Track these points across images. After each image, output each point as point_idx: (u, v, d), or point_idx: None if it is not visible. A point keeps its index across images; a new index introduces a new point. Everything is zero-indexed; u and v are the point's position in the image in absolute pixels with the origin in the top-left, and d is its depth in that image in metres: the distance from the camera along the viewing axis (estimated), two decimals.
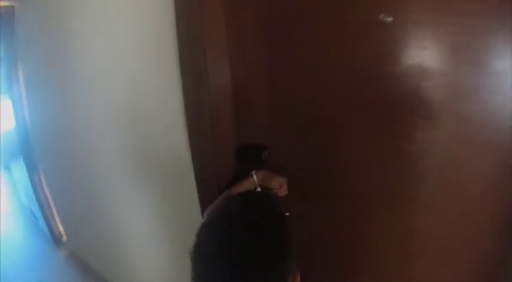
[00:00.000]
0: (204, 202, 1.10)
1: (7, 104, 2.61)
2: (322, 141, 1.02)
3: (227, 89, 1.03)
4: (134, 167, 1.44)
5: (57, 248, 2.96)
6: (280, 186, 1.04)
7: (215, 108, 1.00)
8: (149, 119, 1.22)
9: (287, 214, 1.03)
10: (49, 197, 2.88)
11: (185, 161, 1.10)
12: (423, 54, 0.79)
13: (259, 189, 1.05)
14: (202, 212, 1.11)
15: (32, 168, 2.80)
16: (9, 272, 2.83)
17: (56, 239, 2.97)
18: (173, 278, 1.52)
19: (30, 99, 2.43)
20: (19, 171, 2.96)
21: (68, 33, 1.49)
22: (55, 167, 2.42)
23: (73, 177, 2.10)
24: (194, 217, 1.12)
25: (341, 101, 0.94)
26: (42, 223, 2.97)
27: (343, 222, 1.05)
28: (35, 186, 2.84)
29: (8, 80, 2.41)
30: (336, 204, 1.04)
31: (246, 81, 1.02)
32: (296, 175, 1.08)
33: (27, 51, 2.19)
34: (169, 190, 1.30)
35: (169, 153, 1.19)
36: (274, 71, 0.98)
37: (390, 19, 0.75)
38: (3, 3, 2.08)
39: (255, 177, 1.03)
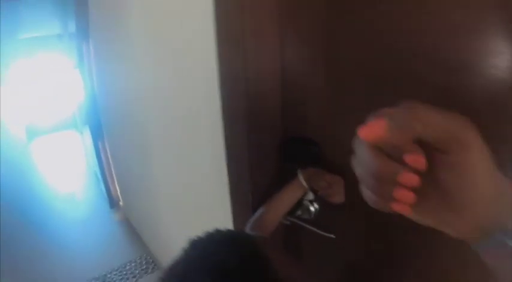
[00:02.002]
0: (235, 201, 0.98)
1: (78, 77, 2.72)
2: None
3: (273, 70, 0.78)
4: (176, 150, 1.40)
5: (113, 210, 3.12)
6: (328, 185, 0.77)
7: (254, 87, 0.76)
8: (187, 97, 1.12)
9: (332, 236, 0.85)
10: (111, 163, 3.01)
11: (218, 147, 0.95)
12: None
13: (310, 193, 0.83)
14: (233, 213, 1.00)
15: (98, 136, 2.93)
16: (65, 225, 3.07)
17: (113, 202, 3.13)
18: None
19: (98, 73, 2.52)
20: (89, 137, 3.14)
21: (131, 12, 1.46)
22: (118, 136, 2.51)
23: (132, 148, 2.14)
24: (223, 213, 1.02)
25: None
26: (102, 186, 3.13)
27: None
28: (99, 152, 2.99)
29: (79, 55, 2.49)
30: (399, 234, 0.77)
31: (299, 62, 0.78)
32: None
33: (97, 28, 2.24)
34: (203, 182, 1.22)
35: (204, 137, 1.09)
36: (335, 51, 0.72)
37: None
38: None
39: (301, 177, 0.79)
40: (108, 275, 2.34)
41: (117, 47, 1.92)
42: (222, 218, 1.06)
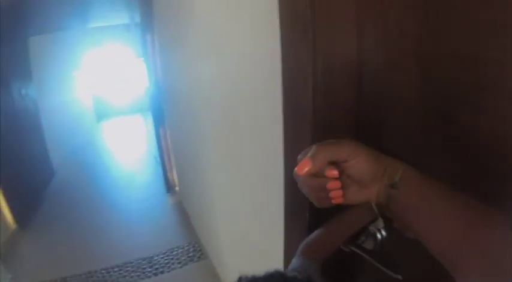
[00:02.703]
0: (289, 216, 0.83)
1: (143, 65, 2.76)
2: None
3: (348, 62, 0.62)
4: (227, 141, 1.31)
5: (168, 194, 3.17)
6: None
7: (323, 83, 0.61)
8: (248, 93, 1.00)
9: (399, 277, 0.66)
10: (171, 149, 3.05)
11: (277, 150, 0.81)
12: None
13: (380, 220, 0.67)
14: (286, 228, 0.85)
15: (159, 122, 2.98)
16: (122, 203, 3.17)
17: (169, 187, 3.18)
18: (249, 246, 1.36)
19: (162, 62, 2.52)
20: (151, 122, 3.21)
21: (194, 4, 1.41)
22: (178, 124, 2.51)
23: (190, 137, 2.13)
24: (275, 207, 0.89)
25: None
26: (161, 170, 3.19)
27: None
28: (160, 137, 3.04)
29: (143, 44, 2.51)
30: None
31: (382, 55, 0.59)
32: None
33: (161, 20, 2.22)
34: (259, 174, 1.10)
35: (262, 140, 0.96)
36: (431, 42, 0.52)
37: None
38: None
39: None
40: (155, 257, 2.36)
41: (180, 39, 1.89)
42: (273, 228, 0.93)
